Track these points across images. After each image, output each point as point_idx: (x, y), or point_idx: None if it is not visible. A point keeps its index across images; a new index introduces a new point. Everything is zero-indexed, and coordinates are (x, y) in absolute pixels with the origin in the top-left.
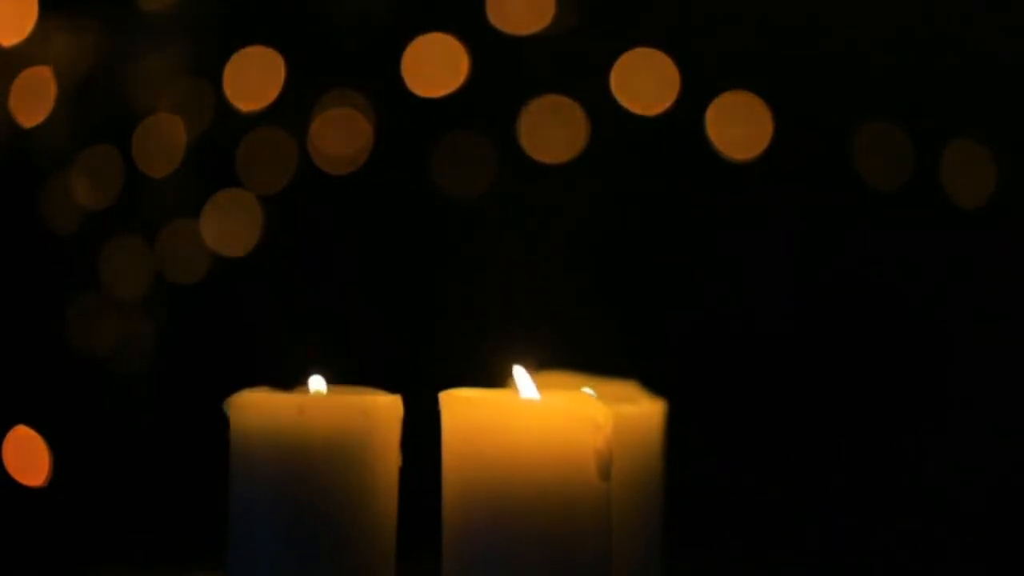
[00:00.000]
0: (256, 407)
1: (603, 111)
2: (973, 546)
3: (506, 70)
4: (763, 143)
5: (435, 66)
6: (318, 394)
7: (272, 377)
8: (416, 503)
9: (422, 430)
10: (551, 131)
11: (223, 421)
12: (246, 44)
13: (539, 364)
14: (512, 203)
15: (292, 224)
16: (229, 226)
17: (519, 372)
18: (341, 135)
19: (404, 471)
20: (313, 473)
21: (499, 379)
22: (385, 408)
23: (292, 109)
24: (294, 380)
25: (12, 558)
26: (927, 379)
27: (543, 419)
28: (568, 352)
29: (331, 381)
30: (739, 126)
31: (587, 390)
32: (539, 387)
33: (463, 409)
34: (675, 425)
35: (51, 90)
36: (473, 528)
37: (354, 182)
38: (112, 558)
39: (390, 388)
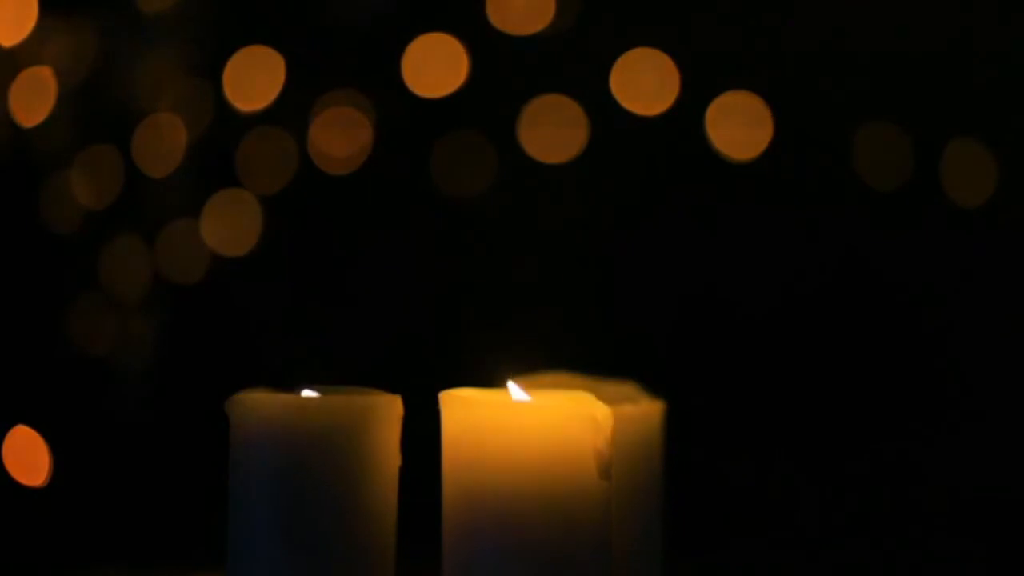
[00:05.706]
0: (256, 407)
1: (603, 111)
2: (973, 546)
3: (506, 70)
4: (763, 143)
5: (435, 66)
6: (318, 393)
7: (272, 377)
8: (416, 503)
9: (422, 430)
10: (551, 131)
11: (223, 421)
12: (246, 44)
13: (539, 364)
14: (512, 203)
15: (292, 224)
16: (229, 226)
17: (514, 388)
18: (341, 135)
19: (404, 471)
20: (313, 473)
21: (499, 379)
22: (385, 408)
23: (292, 109)
24: (294, 380)
25: (12, 558)
26: (927, 379)
27: (543, 419)
28: (568, 352)
29: (331, 382)
30: (739, 126)
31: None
32: (539, 388)
33: (463, 409)
34: (675, 425)
35: (51, 90)
36: (473, 528)
37: (354, 182)
38: (112, 558)
39: (390, 388)
